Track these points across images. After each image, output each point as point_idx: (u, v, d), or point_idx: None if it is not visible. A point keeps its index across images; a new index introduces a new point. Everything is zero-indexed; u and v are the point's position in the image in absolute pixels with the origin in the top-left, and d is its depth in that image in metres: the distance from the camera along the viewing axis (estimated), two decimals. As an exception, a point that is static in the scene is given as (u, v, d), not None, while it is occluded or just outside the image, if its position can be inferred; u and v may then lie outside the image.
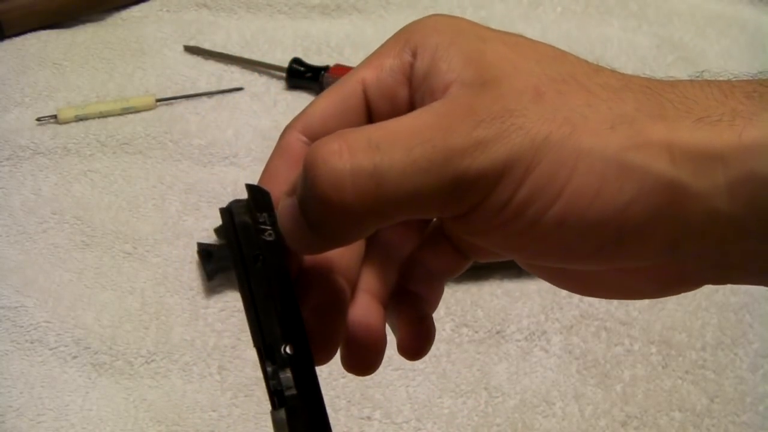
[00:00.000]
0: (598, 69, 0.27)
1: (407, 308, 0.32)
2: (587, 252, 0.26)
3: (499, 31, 0.28)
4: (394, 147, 0.25)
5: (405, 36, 0.29)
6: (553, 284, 0.31)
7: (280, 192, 0.28)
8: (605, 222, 0.25)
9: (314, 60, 0.84)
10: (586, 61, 0.28)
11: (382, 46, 0.30)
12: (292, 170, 0.29)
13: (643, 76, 0.27)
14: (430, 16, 0.29)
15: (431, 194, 0.25)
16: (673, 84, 0.26)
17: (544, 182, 0.25)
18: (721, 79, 0.26)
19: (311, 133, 0.30)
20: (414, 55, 0.29)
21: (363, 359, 0.30)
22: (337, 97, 0.30)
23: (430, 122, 0.25)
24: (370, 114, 0.30)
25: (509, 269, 0.68)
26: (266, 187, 0.30)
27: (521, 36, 0.28)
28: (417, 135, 0.25)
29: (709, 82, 0.26)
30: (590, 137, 0.25)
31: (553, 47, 0.28)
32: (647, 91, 0.26)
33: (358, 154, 0.24)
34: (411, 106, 0.29)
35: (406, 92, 0.29)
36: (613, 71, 0.27)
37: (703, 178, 0.24)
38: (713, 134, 0.24)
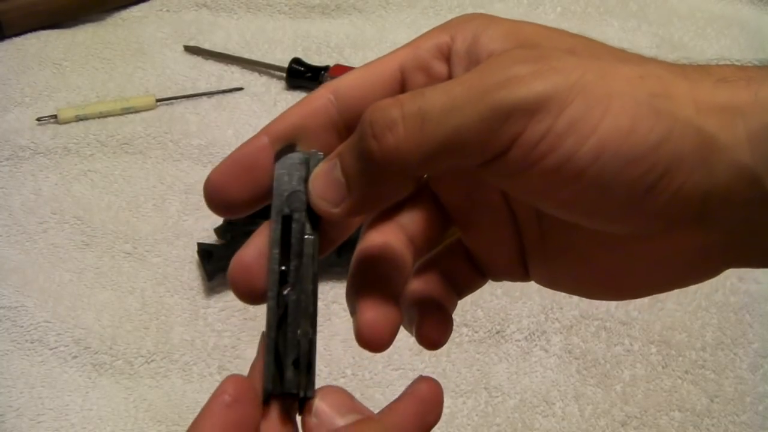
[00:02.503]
0: (624, 50, 0.29)
1: (426, 299, 0.33)
2: (620, 198, 0.26)
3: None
4: (436, 91, 0.26)
5: (442, 26, 0.31)
6: (582, 295, 0.31)
7: (285, 130, 0.30)
8: (638, 159, 0.25)
9: (314, 60, 0.84)
10: (609, 45, 0.29)
11: (424, 33, 0.31)
12: (307, 118, 0.30)
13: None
14: (466, 14, 0.31)
15: (470, 128, 0.26)
16: (691, 63, 0.29)
17: (579, 116, 0.25)
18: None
19: (340, 93, 0.31)
20: (453, 37, 0.30)
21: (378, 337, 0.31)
22: (373, 68, 0.31)
23: (470, 73, 0.27)
24: (405, 86, 0.31)
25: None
26: (277, 124, 0.31)
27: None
28: (458, 81, 0.26)
29: (724, 64, 0.29)
30: (622, 82, 0.26)
31: (585, 36, 0.30)
32: (666, 64, 0.28)
33: (406, 102, 0.26)
34: (450, 78, 0.30)
35: (444, 68, 0.30)
36: (632, 53, 0.29)
37: (726, 130, 0.25)
38: (732, 92, 0.26)
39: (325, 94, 0.31)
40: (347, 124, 0.30)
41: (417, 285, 0.33)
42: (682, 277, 0.30)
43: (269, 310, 0.29)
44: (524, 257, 0.33)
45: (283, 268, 0.30)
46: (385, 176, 0.27)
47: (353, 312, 0.30)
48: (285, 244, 0.30)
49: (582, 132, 0.25)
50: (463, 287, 0.34)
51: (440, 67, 0.30)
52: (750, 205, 0.26)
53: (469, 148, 0.26)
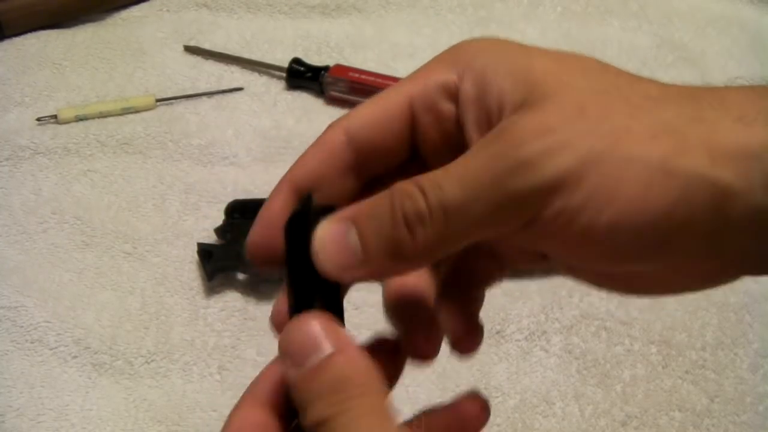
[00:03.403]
0: (638, 79, 0.29)
1: (456, 307, 0.34)
2: (637, 252, 0.27)
3: (539, 47, 0.30)
4: (453, 183, 0.27)
5: (451, 56, 0.31)
6: (598, 287, 0.32)
7: (306, 179, 0.32)
8: (654, 223, 0.26)
9: (314, 60, 0.84)
10: (627, 72, 0.29)
11: (428, 63, 0.31)
12: (324, 163, 0.32)
13: (681, 85, 0.29)
14: (474, 39, 0.31)
15: (490, 216, 0.27)
16: (711, 89, 0.28)
17: (593, 191, 0.26)
18: (756, 84, 0.28)
19: (353, 134, 0.31)
20: (460, 76, 0.30)
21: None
22: (382, 105, 0.31)
23: (480, 161, 0.27)
24: (415, 125, 0.32)
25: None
26: (296, 173, 0.32)
27: (565, 51, 0.30)
28: (471, 168, 0.27)
29: (744, 87, 0.28)
30: (634, 147, 0.26)
31: (597, 60, 0.30)
32: (686, 97, 0.28)
33: (429, 193, 0.27)
34: (458, 123, 0.31)
35: (452, 108, 0.31)
36: (651, 80, 0.29)
37: (742, 176, 0.26)
38: (749, 134, 0.26)
39: (338, 134, 0.32)
40: (362, 164, 0.32)
41: (443, 292, 0.34)
42: (697, 285, 0.30)
43: None
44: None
45: None
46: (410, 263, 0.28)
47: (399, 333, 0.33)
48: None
49: (597, 206, 0.26)
50: (487, 280, 0.35)
51: (448, 107, 0.31)
52: (763, 232, 0.26)
53: (490, 231, 0.28)
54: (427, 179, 0.27)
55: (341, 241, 0.28)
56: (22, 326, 0.64)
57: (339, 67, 0.82)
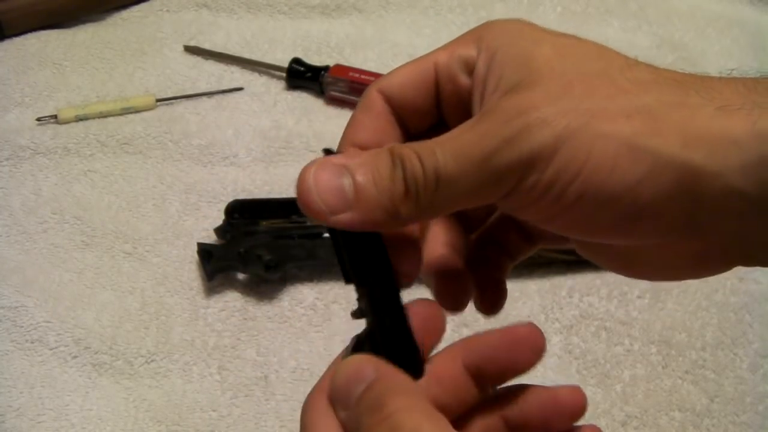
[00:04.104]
0: (633, 64, 0.31)
1: (485, 272, 0.37)
2: (608, 224, 0.29)
3: (556, 33, 0.32)
4: (448, 156, 0.29)
5: (478, 32, 0.34)
6: (604, 265, 0.34)
7: (364, 138, 0.34)
8: (619, 196, 0.28)
9: (314, 60, 0.84)
10: (625, 57, 0.31)
11: (460, 36, 0.34)
12: (374, 121, 0.35)
13: (677, 70, 0.30)
14: (502, 20, 0.34)
15: (475, 187, 0.29)
16: (702, 78, 0.29)
17: (564, 164, 0.28)
18: (748, 76, 0.29)
19: (389, 94, 0.35)
20: (478, 53, 0.33)
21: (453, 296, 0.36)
22: (413, 70, 0.35)
23: (470, 136, 0.30)
24: (439, 92, 0.35)
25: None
26: (352, 135, 0.35)
27: (574, 36, 0.32)
28: (463, 146, 0.29)
29: (735, 78, 0.29)
30: (606, 124, 0.28)
31: (598, 46, 0.32)
32: (674, 83, 0.29)
33: (425, 161, 0.30)
34: (470, 95, 0.34)
35: (468, 82, 0.34)
36: (647, 65, 0.31)
37: (717, 159, 0.27)
38: (730, 122, 0.27)
39: (375, 94, 0.35)
40: (398, 117, 0.35)
41: (474, 257, 0.37)
42: (690, 270, 0.32)
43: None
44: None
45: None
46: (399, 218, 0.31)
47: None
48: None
49: (567, 177, 0.28)
50: (515, 253, 0.38)
51: (465, 81, 0.34)
52: (743, 217, 0.27)
53: (475, 200, 0.30)
54: (424, 147, 0.30)
55: (334, 184, 0.30)
56: (22, 326, 0.64)
57: (339, 67, 0.82)
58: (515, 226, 0.37)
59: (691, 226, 0.28)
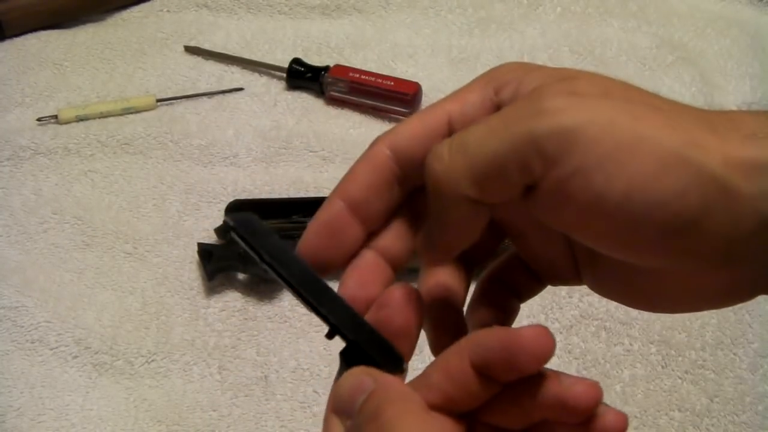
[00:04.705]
0: (656, 95, 0.30)
1: (489, 316, 0.36)
2: (650, 236, 0.28)
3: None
4: (478, 124, 0.29)
5: (488, 76, 0.33)
6: (621, 302, 0.33)
7: (358, 192, 0.33)
8: (666, 203, 0.27)
9: (314, 60, 0.84)
10: (646, 90, 0.30)
11: (467, 84, 0.33)
12: (373, 175, 0.33)
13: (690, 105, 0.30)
14: (508, 62, 0.33)
15: (506, 154, 0.28)
16: (720, 112, 0.29)
17: (608, 156, 0.27)
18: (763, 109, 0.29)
19: (397, 148, 0.33)
20: (496, 90, 0.32)
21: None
22: (424, 121, 0.33)
23: (510, 106, 0.29)
24: None
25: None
26: (347, 186, 0.33)
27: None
28: (498, 114, 0.29)
29: (754, 111, 0.29)
30: (652, 128, 0.27)
31: (620, 80, 0.30)
32: (697, 114, 0.29)
33: (454, 137, 0.30)
34: None
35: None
36: (666, 99, 0.30)
37: (752, 184, 0.26)
38: (760, 149, 0.27)
39: (383, 149, 0.33)
40: (406, 177, 0.33)
41: (480, 299, 0.36)
42: (714, 303, 0.31)
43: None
44: (577, 267, 0.34)
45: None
46: (442, 202, 0.30)
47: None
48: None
49: (611, 171, 0.27)
50: (523, 293, 0.36)
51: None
52: None
53: (507, 173, 0.28)
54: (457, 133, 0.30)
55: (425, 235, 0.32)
56: (22, 326, 0.64)
57: (339, 67, 0.82)
58: (523, 265, 0.36)
59: (728, 254, 0.28)
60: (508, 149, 0.28)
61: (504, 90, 0.31)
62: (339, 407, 0.30)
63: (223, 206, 0.69)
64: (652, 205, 0.27)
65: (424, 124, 0.33)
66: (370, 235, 0.33)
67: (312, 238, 0.33)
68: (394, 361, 0.32)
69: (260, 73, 0.84)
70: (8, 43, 0.86)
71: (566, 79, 0.29)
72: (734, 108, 0.81)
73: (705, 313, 0.67)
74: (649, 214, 0.27)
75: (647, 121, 0.27)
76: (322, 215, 0.33)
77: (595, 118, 0.27)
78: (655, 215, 0.27)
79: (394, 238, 0.33)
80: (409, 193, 0.34)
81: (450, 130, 0.32)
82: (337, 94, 0.81)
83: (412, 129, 0.33)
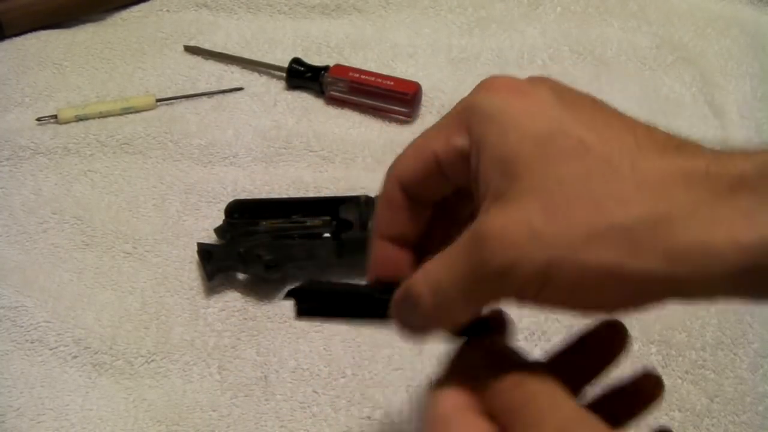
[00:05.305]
0: (645, 146, 0.32)
1: None
2: (611, 305, 0.34)
3: (545, 107, 0.34)
4: (445, 275, 0.34)
5: (466, 118, 0.36)
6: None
7: (392, 232, 0.40)
8: (611, 309, 0.34)
9: (314, 60, 0.84)
10: (635, 136, 0.32)
11: (450, 116, 0.37)
12: (395, 215, 0.40)
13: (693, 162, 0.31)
14: (486, 98, 0.35)
15: (464, 304, 0.35)
16: (733, 152, 0.31)
17: (551, 293, 0.32)
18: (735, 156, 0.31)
19: (403, 182, 0.39)
20: (470, 145, 0.35)
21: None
22: (419, 160, 0.38)
23: (459, 264, 0.33)
24: (444, 171, 0.38)
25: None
26: (381, 231, 0.41)
27: (573, 107, 0.34)
28: (452, 271, 0.34)
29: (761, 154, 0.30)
30: (586, 254, 0.30)
31: (605, 117, 0.33)
32: (684, 174, 0.31)
33: (430, 283, 0.35)
34: (475, 179, 0.36)
35: (467, 166, 0.36)
36: (664, 144, 0.32)
37: (701, 272, 0.30)
38: (718, 229, 0.29)
39: (395, 185, 0.39)
40: (417, 200, 0.40)
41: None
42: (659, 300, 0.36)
43: None
44: None
45: None
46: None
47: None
48: None
49: (556, 301, 0.33)
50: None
51: (466, 171, 0.36)
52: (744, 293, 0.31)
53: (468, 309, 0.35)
54: (428, 268, 0.35)
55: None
56: (22, 326, 0.64)
57: (339, 67, 0.82)
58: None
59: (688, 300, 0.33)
60: (462, 298, 0.34)
61: (473, 151, 0.35)
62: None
63: (223, 206, 0.69)
64: (598, 308, 0.34)
65: (420, 165, 0.38)
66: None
67: (375, 270, 0.41)
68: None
69: (260, 72, 0.84)
70: (8, 43, 0.86)
71: (510, 198, 0.32)
72: (734, 107, 0.81)
73: (705, 313, 0.67)
74: (599, 307, 0.34)
75: (583, 246, 0.31)
76: (374, 256, 0.41)
77: (533, 270, 0.31)
78: (603, 308, 0.34)
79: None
80: (434, 209, 0.41)
81: (438, 164, 0.37)
82: (337, 93, 0.81)
83: (413, 168, 0.39)
